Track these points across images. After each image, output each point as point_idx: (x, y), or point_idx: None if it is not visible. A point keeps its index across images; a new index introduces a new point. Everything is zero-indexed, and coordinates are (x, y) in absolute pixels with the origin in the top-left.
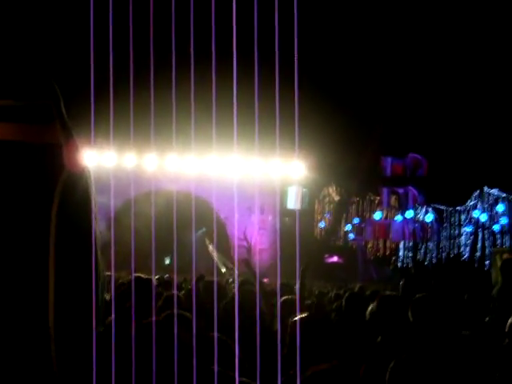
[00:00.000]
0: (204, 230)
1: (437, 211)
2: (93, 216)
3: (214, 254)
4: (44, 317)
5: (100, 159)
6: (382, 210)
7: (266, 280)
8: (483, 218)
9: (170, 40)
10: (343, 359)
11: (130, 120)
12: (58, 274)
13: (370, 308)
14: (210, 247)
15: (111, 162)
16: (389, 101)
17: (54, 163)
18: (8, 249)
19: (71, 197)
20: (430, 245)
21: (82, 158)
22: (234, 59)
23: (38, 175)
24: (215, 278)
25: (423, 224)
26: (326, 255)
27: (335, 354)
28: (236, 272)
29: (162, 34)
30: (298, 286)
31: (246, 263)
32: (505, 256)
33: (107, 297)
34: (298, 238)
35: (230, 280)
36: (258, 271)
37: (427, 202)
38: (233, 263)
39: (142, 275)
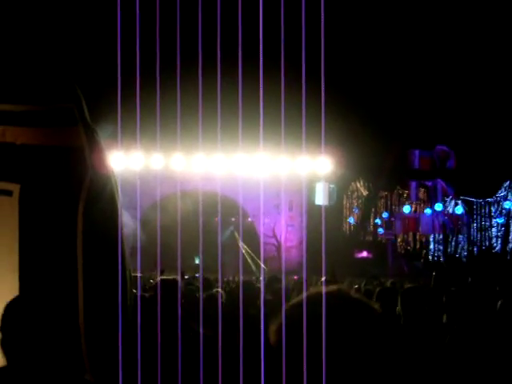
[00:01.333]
0: (232, 228)
1: (466, 203)
2: (119, 217)
3: (244, 251)
4: (74, 316)
5: (128, 161)
6: (410, 204)
7: (295, 277)
8: None
9: (196, 43)
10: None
11: (157, 121)
12: (87, 275)
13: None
14: (241, 243)
15: (139, 163)
16: (415, 93)
17: (77, 166)
18: (37, 251)
19: (96, 198)
20: (461, 237)
21: (107, 160)
22: (261, 60)
23: (63, 178)
24: (241, 277)
25: (453, 216)
26: (356, 250)
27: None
28: (263, 269)
29: (188, 37)
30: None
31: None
32: None
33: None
34: (323, 233)
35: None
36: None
37: (456, 195)
38: (262, 261)
39: (169, 277)
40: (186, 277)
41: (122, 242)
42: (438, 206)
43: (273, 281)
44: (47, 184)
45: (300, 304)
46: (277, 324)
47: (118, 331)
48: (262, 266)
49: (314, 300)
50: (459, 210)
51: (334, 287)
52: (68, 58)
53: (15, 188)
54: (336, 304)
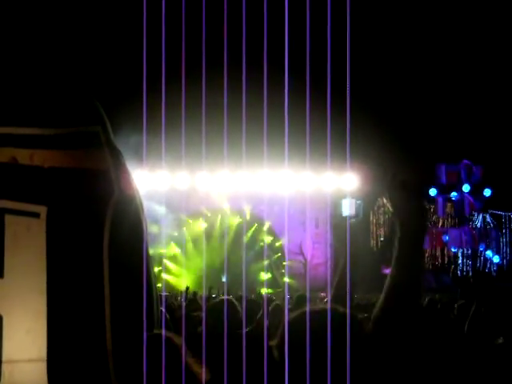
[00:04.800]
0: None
1: (495, 217)
2: (144, 238)
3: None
4: (102, 334)
5: (153, 180)
6: (437, 219)
7: (322, 294)
8: None
9: (222, 64)
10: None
11: (182, 139)
12: (113, 297)
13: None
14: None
15: (164, 182)
16: (441, 107)
17: (103, 188)
18: (65, 272)
19: (122, 220)
20: (490, 252)
21: (132, 182)
22: (286, 78)
23: (89, 199)
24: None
25: (481, 231)
26: (383, 266)
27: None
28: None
29: (214, 59)
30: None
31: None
32: None
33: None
34: (348, 249)
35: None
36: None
37: (484, 209)
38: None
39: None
40: (214, 295)
41: (147, 262)
42: (466, 188)
43: (301, 300)
44: (74, 206)
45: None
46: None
47: (144, 349)
48: (287, 282)
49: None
50: (487, 192)
51: (323, 306)
52: (92, 79)
53: (42, 210)
54: (327, 319)
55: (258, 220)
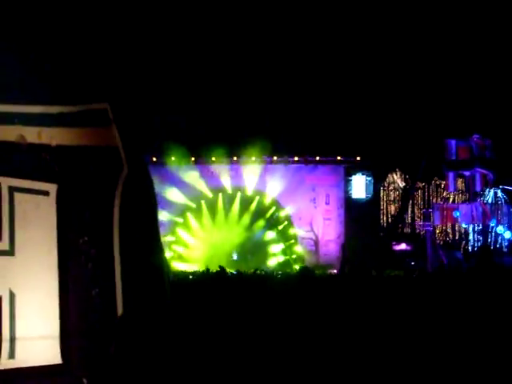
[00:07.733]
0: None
1: (506, 193)
2: (155, 214)
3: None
4: (113, 311)
5: (166, 158)
6: (448, 195)
7: (334, 271)
8: None
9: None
10: None
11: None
12: (124, 273)
13: None
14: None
15: (176, 160)
16: (451, 81)
17: (112, 165)
18: (76, 248)
19: (132, 196)
20: (502, 227)
21: (142, 158)
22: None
23: (98, 177)
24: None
25: (492, 206)
26: (394, 243)
27: None
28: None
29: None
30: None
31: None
32: None
33: None
34: (359, 226)
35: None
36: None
37: (496, 184)
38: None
39: None
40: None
41: (158, 236)
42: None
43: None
44: (83, 183)
45: None
46: None
47: (157, 318)
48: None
49: None
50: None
51: None
52: (101, 56)
53: (52, 188)
54: None
55: (260, 194)
